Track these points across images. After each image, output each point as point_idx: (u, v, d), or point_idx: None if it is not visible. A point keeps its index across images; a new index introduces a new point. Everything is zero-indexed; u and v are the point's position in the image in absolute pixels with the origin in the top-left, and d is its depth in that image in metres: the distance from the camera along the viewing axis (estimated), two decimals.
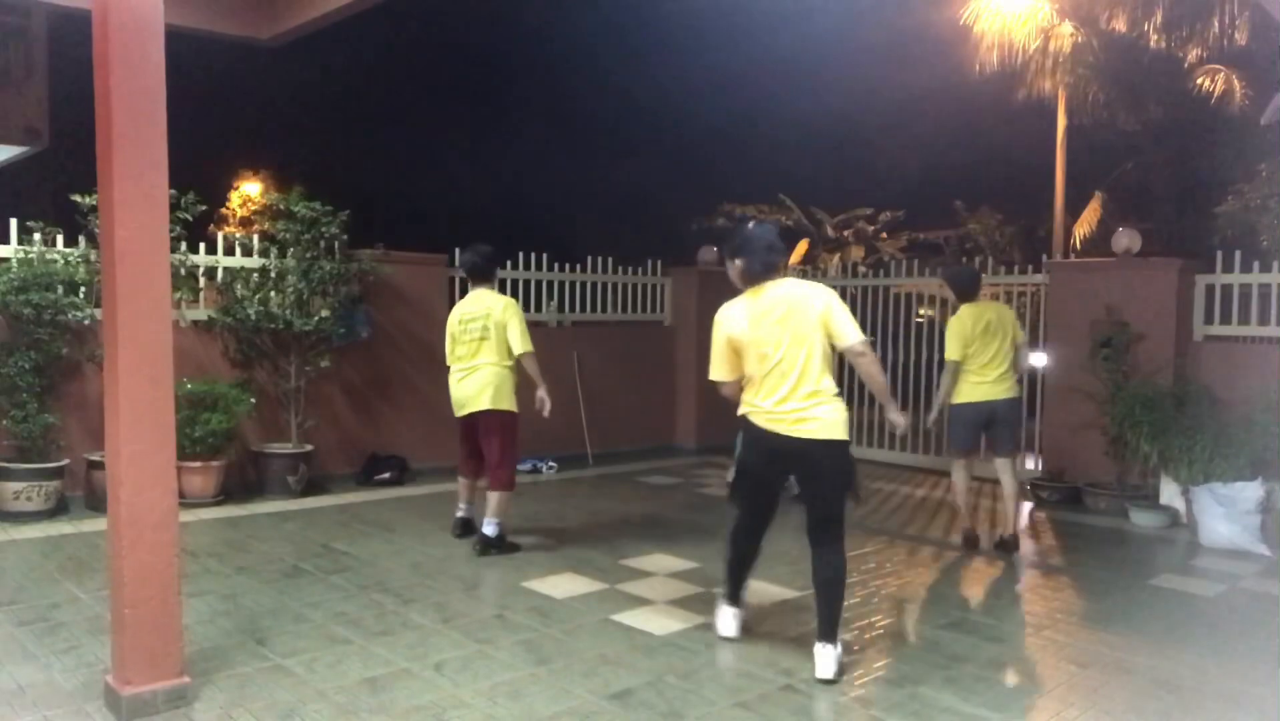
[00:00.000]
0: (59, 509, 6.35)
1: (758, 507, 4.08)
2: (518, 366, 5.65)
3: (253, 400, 7.02)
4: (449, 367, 5.72)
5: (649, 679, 3.78)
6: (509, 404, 5.61)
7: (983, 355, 5.98)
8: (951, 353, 6.04)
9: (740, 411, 4.00)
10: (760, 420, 3.87)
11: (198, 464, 6.62)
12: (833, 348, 3.87)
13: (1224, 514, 6.19)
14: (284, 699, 3.51)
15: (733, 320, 3.93)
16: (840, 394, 3.89)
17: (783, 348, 3.79)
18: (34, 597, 4.62)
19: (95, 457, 6.30)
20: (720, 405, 10.22)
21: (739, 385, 3.99)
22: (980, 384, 6.00)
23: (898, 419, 4.17)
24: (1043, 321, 8.36)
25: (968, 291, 6.25)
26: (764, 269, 3.93)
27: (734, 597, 4.29)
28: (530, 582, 5.06)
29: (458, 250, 8.81)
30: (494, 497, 5.62)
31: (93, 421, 6.52)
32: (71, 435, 6.58)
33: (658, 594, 4.93)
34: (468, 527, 5.94)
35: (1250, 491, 6.15)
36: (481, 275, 5.79)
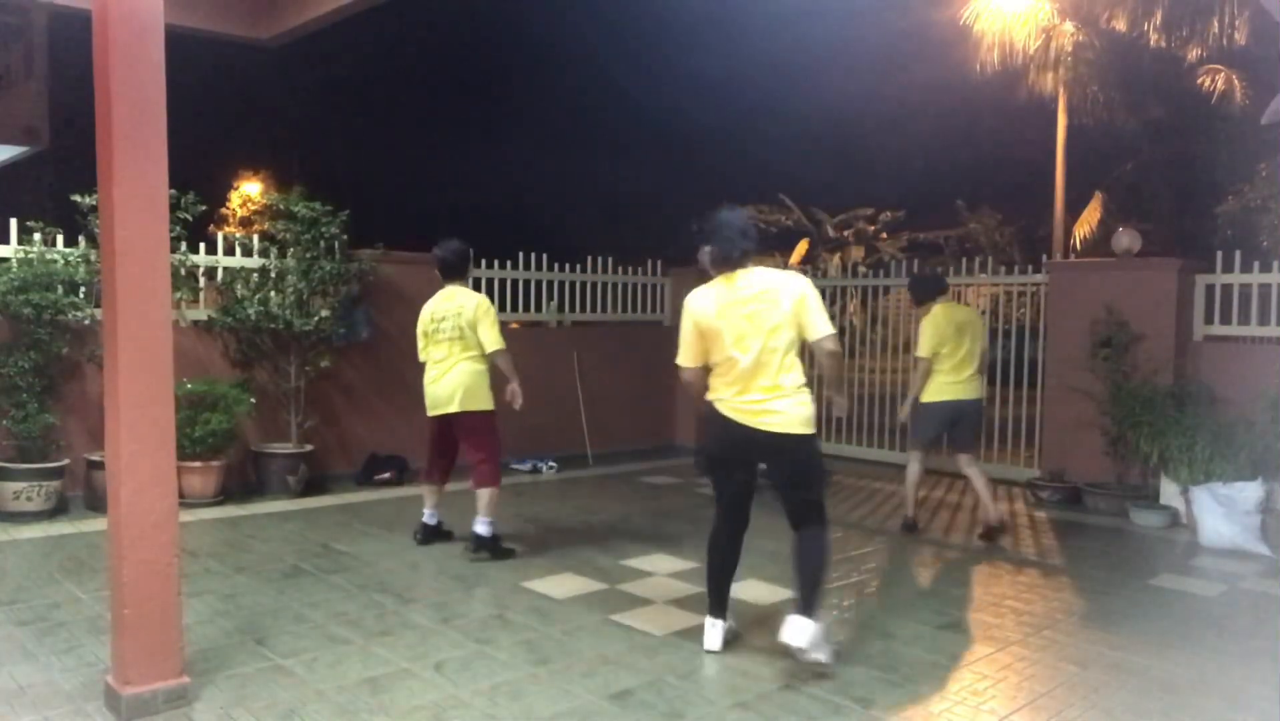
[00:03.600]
0: (59, 509, 6.35)
1: (732, 500, 4.03)
2: (493, 364, 5.55)
3: (253, 400, 7.03)
4: (422, 364, 5.68)
5: (649, 679, 3.78)
6: (483, 403, 5.51)
7: (955, 355, 6.23)
8: (923, 350, 6.26)
9: (707, 398, 3.97)
10: (725, 409, 3.86)
11: (198, 464, 6.62)
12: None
13: (1224, 514, 6.19)
14: (284, 699, 3.51)
15: (702, 306, 3.90)
16: (807, 386, 3.88)
17: (748, 338, 3.77)
18: (34, 597, 4.62)
19: (95, 457, 6.30)
20: None
21: (704, 373, 3.97)
22: (953, 383, 6.25)
23: (842, 404, 4.39)
24: (1043, 321, 8.36)
25: (929, 296, 6.49)
26: (739, 255, 3.87)
27: (719, 609, 4.10)
28: (530, 582, 5.06)
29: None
30: (483, 495, 5.50)
31: (93, 421, 6.52)
32: (71, 435, 6.58)
33: (658, 594, 4.93)
34: (432, 534, 5.83)
35: (1250, 491, 6.14)
36: (453, 272, 5.65)
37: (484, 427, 5.55)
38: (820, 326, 3.80)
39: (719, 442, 3.96)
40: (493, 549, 5.49)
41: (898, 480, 8.53)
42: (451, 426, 5.60)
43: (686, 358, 3.98)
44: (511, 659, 3.97)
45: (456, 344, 5.48)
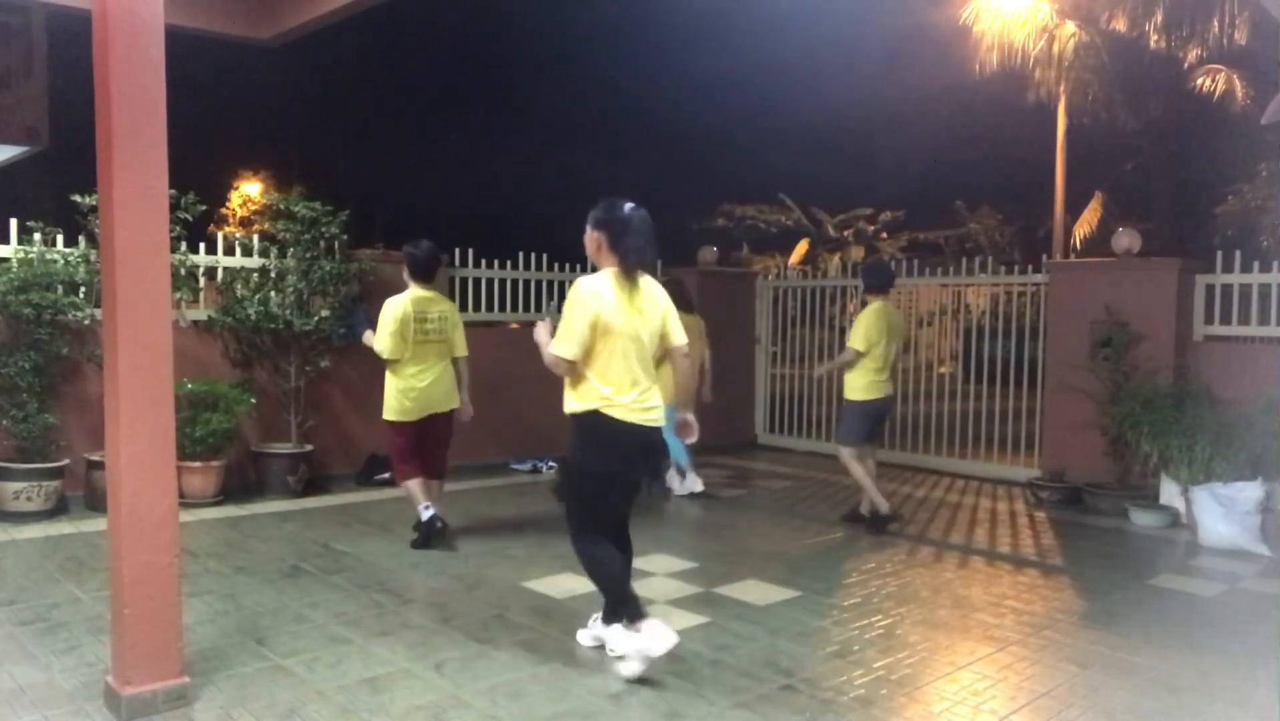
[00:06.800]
0: (59, 509, 6.35)
1: (620, 515, 4.08)
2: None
3: (253, 400, 7.03)
4: (388, 362, 5.62)
5: (649, 679, 3.78)
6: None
7: (887, 353, 6.48)
8: (860, 343, 6.41)
9: (589, 406, 3.79)
10: (620, 413, 3.78)
11: (198, 464, 6.62)
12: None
13: (1224, 514, 6.19)
14: (284, 699, 3.51)
15: (604, 299, 3.76)
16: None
17: (649, 339, 3.88)
18: (34, 597, 4.62)
19: (95, 457, 6.30)
20: (720, 403, 10.08)
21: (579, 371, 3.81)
22: (880, 381, 6.52)
23: (690, 420, 4.19)
24: (1043, 321, 8.36)
25: (880, 286, 6.65)
26: (644, 261, 3.88)
27: (635, 612, 3.85)
28: (530, 582, 5.06)
29: (458, 250, 8.87)
30: (441, 487, 5.95)
31: (93, 421, 6.52)
32: (71, 435, 6.58)
33: (658, 594, 4.93)
34: (440, 525, 5.77)
35: (1250, 491, 6.15)
36: (429, 273, 5.76)
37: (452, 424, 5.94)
38: (680, 335, 4.07)
39: (617, 452, 3.88)
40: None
41: (894, 478, 8.54)
42: (432, 426, 5.76)
43: (573, 349, 3.86)
44: (511, 659, 3.97)
45: (443, 346, 5.75)
